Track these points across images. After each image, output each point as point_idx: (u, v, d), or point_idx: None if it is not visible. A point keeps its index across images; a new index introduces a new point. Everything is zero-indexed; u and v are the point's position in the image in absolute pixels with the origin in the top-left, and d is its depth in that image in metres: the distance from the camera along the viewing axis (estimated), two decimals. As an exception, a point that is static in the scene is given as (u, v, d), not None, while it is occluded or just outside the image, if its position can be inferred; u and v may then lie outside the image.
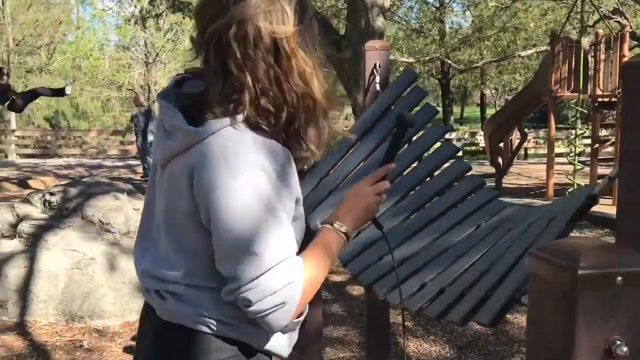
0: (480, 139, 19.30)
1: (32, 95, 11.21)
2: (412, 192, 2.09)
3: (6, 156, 18.99)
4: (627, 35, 8.87)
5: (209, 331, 1.15)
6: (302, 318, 1.19)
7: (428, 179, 2.12)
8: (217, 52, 1.12)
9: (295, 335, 1.27)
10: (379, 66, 2.44)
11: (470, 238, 1.67)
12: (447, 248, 1.76)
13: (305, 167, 1.26)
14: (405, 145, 2.19)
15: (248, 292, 1.06)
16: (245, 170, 1.06)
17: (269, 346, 1.20)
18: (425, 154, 2.17)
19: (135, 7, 22.04)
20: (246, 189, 1.06)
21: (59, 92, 11.46)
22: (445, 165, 2.12)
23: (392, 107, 2.32)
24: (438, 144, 2.22)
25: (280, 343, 1.21)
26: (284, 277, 1.06)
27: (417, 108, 2.30)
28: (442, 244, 1.77)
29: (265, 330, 1.16)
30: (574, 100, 9.01)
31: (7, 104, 10.61)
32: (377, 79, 2.44)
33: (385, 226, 1.99)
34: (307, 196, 2.29)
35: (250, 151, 1.08)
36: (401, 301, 1.65)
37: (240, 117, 1.10)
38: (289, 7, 1.12)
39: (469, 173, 2.06)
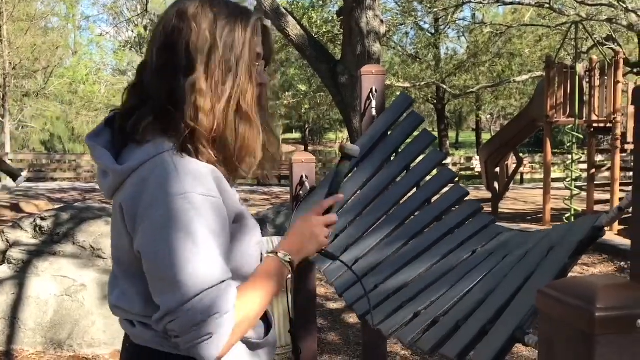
0: (476, 164, 19.33)
1: None
2: (410, 218, 2.04)
3: None
4: (621, 61, 8.93)
5: (173, 352, 1.16)
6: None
7: (426, 205, 2.08)
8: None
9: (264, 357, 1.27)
10: (375, 91, 2.41)
11: (465, 264, 1.62)
12: (442, 275, 1.70)
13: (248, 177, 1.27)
14: (404, 172, 2.15)
15: (172, 323, 1.06)
16: (165, 201, 1.06)
17: None
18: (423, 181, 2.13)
19: (132, 32, 22.19)
20: (165, 219, 1.06)
21: (13, 176, 11.73)
22: (443, 190, 2.08)
23: (389, 133, 2.28)
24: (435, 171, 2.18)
25: None
26: (209, 308, 1.05)
27: (415, 134, 2.26)
28: (437, 270, 1.72)
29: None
30: (569, 126, 9.03)
31: None
32: (374, 104, 2.41)
33: (383, 254, 1.94)
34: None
35: (173, 180, 1.08)
36: (393, 332, 1.59)
37: (167, 144, 1.12)
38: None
39: (467, 198, 2.02)
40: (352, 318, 4.78)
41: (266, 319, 1.30)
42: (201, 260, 1.06)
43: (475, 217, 1.91)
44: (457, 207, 1.99)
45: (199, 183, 1.09)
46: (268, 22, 1.30)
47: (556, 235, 1.29)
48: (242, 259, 1.21)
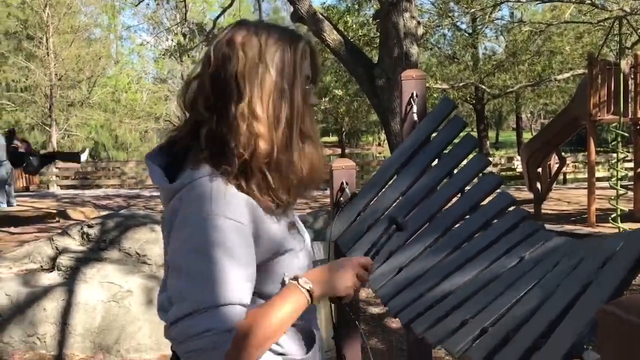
0: (517, 164, 18.98)
1: (49, 158, 11.89)
2: (455, 226, 2.01)
3: (47, 187, 19.48)
4: (669, 56, 8.65)
5: None
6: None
7: (471, 212, 2.05)
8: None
9: None
10: (416, 96, 2.40)
11: (514, 271, 1.58)
12: (488, 282, 1.68)
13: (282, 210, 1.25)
14: (447, 178, 2.13)
15: (173, 330, 1.11)
16: (192, 220, 1.12)
17: None
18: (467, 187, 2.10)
19: (172, 41, 22.60)
20: (189, 237, 1.12)
21: (75, 157, 12.16)
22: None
23: (432, 137, 2.26)
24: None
25: None
26: (206, 323, 1.08)
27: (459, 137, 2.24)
28: (483, 278, 1.69)
29: None
30: (614, 124, 8.77)
31: (23, 165, 11.82)
32: (415, 108, 2.39)
33: (427, 263, 1.92)
34: (345, 231, 2.24)
35: (205, 202, 1.13)
36: (441, 341, 1.58)
37: (209, 169, 1.16)
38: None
39: (513, 207, 1.98)
40: (394, 323, 4.75)
41: (310, 336, 1.31)
42: (210, 279, 1.10)
43: (522, 224, 1.87)
44: (503, 215, 1.96)
45: (228, 207, 1.13)
46: (314, 45, 1.30)
47: (612, 244, 1.25)
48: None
